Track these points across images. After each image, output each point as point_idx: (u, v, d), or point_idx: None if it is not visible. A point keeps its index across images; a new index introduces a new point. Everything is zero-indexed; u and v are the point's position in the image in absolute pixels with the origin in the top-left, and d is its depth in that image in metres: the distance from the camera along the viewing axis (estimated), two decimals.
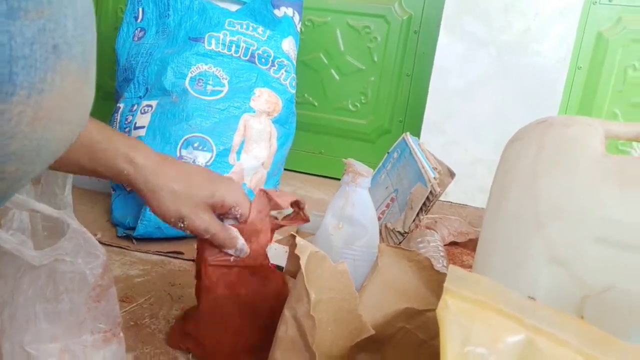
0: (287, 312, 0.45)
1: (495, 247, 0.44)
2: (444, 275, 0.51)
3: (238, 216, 0.56)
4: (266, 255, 0.59)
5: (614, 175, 0.40)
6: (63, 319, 0.53)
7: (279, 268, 0.54)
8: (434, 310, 0.51)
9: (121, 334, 0.54)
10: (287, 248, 0.52)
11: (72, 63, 0.22)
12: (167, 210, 0.52)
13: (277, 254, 0.55)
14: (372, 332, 0.46)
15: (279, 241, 0.56)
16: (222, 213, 0.56)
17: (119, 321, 0.55)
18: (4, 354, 0.53)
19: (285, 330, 0.44)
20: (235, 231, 0.57)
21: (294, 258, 0.50)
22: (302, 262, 0.43)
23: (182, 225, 0.53)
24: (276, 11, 1.18)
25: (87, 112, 0.26)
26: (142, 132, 1.02)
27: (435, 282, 0.50)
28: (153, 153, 0.52)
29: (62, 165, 0.49)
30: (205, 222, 0.54)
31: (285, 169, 1.30)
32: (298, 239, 0.47)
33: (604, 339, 0.26)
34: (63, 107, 0.23)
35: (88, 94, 0.25)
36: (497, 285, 0.30)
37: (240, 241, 0.57)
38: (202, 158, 1.01)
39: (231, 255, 0.57)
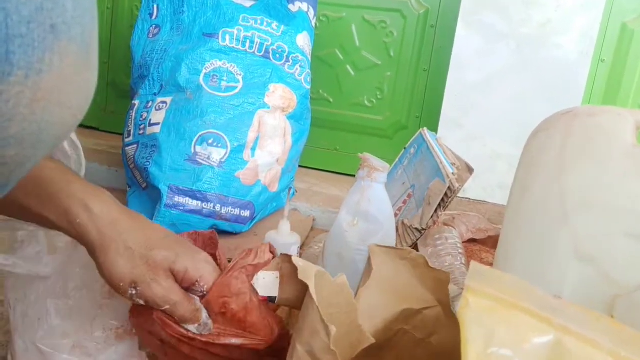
0: (299, 348, 0.40)
1: (518, 243, 0.42)
2: (439, 271, 0.49)
3: (204, 291, 0.47)
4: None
5: None
6: (74, 316, 0.53)
7: (271, 299, 0.48)
8: (430, 308, 0.49)
9: (134, 331, 0.53)
10: (277, 274, 0.48)
11: (71, 44, 0.22)
12: (118, 272, 0.43)
13: (266, 284, 0.48)
14: (373, 340, 0.43)
15: (266, 269, 0.48)
16: (182, 285, 0.47)
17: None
18: (17, 350, 0.53)
19: None
20: (198, 302, 0.47)
21: (287, 284, 0.47)
22: (312, 290, 0.40)
23: (133, 292, 0.44)
24: (291, 6, 1.16)
25: (89, 97, 0.25)
26: (156, 129, 1.02)
27: (430, 279, 0.49)
28: (115, 204, 0.45)
29: (4, 204, 0.43)
30: (165, 289, 0.44)
31: (300, 166, 1.28)
32: (296, 260, 0.44)
33: (637, 338, 0.25)
34: (62, 89, 0.22)
35: (89, 79, 0.24)
36: (521, 283, 0.28)
37: (204, 314, 0.47)
38: (217, 154, 1.00)
39: (189, 331, 0.47)
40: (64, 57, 0.21)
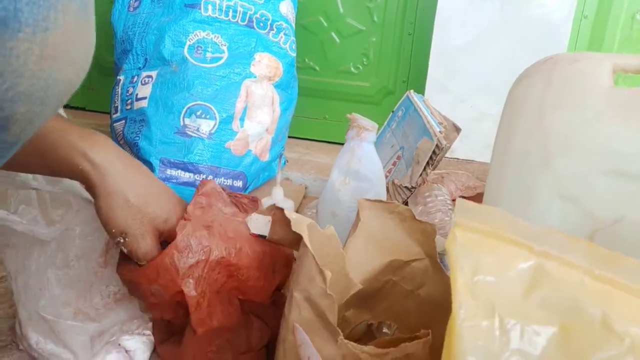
0: (297, 295, 0.43)
1: (504, 186, 0.43)
2: (426, 224, 0.51)
3: None
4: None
5: (622, 107, 0.39)
6: (74, 284, 0.54)
7: (262, 237, 0.51)
8: (418, 260, 0.51)
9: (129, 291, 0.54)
10: (269, 218, 0.50)
11: (72, 3, 0.23)
12: (114, 220, 0.45)
13: (259, 223, 0.51)
14: (360, 286, 0.46)
15: (259, 212, 0.52)
16: (162, 240, 0.50)
17: None
18: (22, 320, 0.54)
19: (298, 313, 0.42)
20: None
21: (277, 226, 0.50)
22: (307, 239, 0.42)
23: (120, 240, 0.46)
24: None
25: (89, 54, 0.27)
26: (144, 103, 1.02)
27: (418, 232, 0.50)
28: (114, 151, 0.46)
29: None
30: (149, 246, 0.47)
31: (289, 137, 1.29)
32: (288, 213, 0.46)
33: (614, 258, 0.26)
34: (67, 45, 0.23)
35: (89, 36, 0.26)
36: (506, 215, 0.30)
37: None
38: (206, 126, 1.00)
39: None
40: (66, 15, 0.22)
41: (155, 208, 0.47)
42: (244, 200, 0.56)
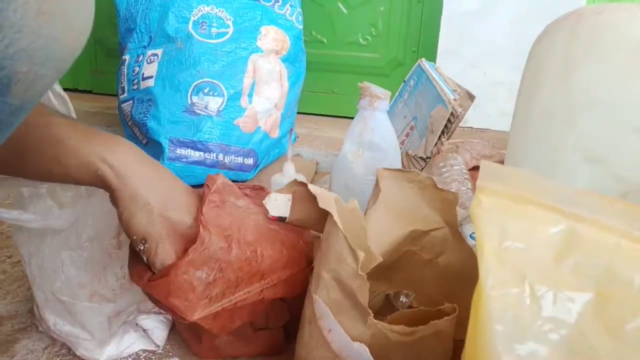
0: (325, 275, 0.40)
1: (527, 149, 0.41)
2: (447, 192, 0.49)
3: None
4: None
5: None
6: (88, 266, 0.53)
7: (282, 219, 0.48)
8: (438, 229, 0.50)
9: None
10: (289, 196, 0.47)
11: None
12: (134, 225, 0.43)
13: (278, 204, 0.47)
14: (380, 259, 0.44)
15: (278, 190, 0.49)
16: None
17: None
18: (39, 302, 0.54)
19: (326, 294, 0.40)
20: None
21: (299, 205, 0.47)
22: (336, 218, 0.39)
23: (141, 247, 0.44)
24: None
25: (89, 19, 0.26)
26: (150, 83, 1.00)
27: (438, 200, 0.49)
28: (133, 153, 0.44)
29: (28, 170, 0.43)
30: (165, 253, 0.44)
31: (299, 112, 1.27)
32: (313, 188, 0.43)
33: None
34: (65, 4, 0.23)
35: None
36: (533, 177, 0.28)
37: None
38: (214, 103, 0.99)
39: None
40: None
41: (178, 212, 0.45)
42: (246, 191, 0.53)
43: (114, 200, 0.44)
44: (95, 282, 0.53)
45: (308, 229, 0.50)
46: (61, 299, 0.52)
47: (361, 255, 0.38)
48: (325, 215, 0.42)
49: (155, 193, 0.44)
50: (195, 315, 0.44)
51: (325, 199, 0.42)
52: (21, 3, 0.21)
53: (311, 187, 0.44)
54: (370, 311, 0.37)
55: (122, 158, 0.42)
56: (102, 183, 0.42)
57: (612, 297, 0.24)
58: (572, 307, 0.24)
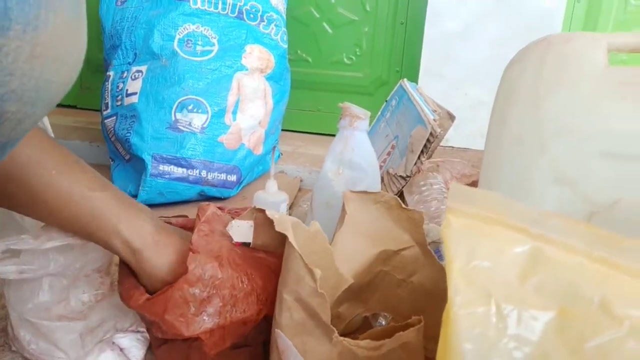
0: (287, 296, 0.41)
1: (499, 173, 0.42)
2: (413, 211, 0.50)
3: None
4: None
5: (617, 86, 0.38)
6: (62, 291, 0.53)
7: (246, 244, 0.50)
8: (408, 248, 0.50)
9: (115, 289, 0.53)
10: (251, 222, 0.49)
11: (63, 2, 0.23)
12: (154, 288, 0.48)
13: (241, 231, 0.49)
14: (351, 281, 0.45)
15: (239, 218, 0.50)
16: None
17: (110, 281, 0.55)
18: (13, 321, 0.53)
19: (290, 316, 0.41)
20: None
21: (261, 230, 0.48)
22: (292, 239, 0.40)
23: None
24: None
25: (81, 55, 0.26)
26: (134, 99, 1.00)
27: (405, 220, 0.49)
28: (152, 230, 0.49)
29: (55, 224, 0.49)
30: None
31: (283, 130, 1.28)
32: (270, 213, 0.45)
33: (613, 239, 0.26)
34: (58, 45, 0.23)
35: (81, 36, 0.26)
36: (501, 199, 0.29)
37: None
38: (198, 120, 0.99)
39: None
40: (57, 14, 0.22)
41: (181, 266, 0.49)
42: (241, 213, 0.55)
43: (137, 272, 0.49)
44: (60, 306, 0.52)
45: (275, 252, 0.50)
46: (31, 321, 0.51)
47: (318, 273, 0.38)
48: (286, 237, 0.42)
49: (169, 265, 0.48)
50: (191, 331, 0.45)
51: (282, 222, 0.42)
52: (14, 47, 0.21)
53: (269, 212, 0.45)
54: (334, 328, 0.38)
55: (140, 240, 0.48)
56: (120, 256, 0.49)
57: (573, 316, 0.25)
58: (536, 325, 0.25)
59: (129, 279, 0.49)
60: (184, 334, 0.45)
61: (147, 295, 0.47)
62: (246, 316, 0.48)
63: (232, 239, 0.49)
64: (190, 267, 0.45)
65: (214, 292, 0.46)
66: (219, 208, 0.52)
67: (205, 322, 0.46)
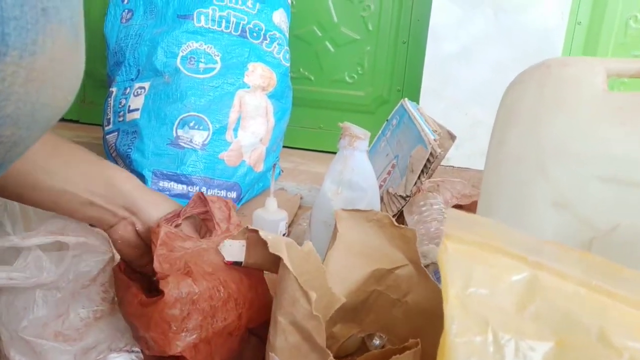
0: (281, 319, 0.41)
1: (498, 195, 0.42)
2: (406, 229, 0.49)
3: None
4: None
5: (616, 111, 0.38)
6: (58, 306, 0.52)
7: (237, 264, 0.50)
8: (402, 267, 0.50)
9: (116, 307, 0.53)
10: (243, 242, 0.49)
11: (61, 27, 0.23)
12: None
13: (233, 250, 0.50)
14: (343, 300, 0.44)
15: (231, 237, 0.51)
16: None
17: (112, 296, 0.54)
18: (3, 340, 0.52)
19: (284, 339, 0.41)
20: None
21: (253, 250, 0.48)
22: (287, 261, 0.40)
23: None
24: None
25: (78, 79, 0.26)
26: (136, 115, 1.01)
27: (398, 238, 0.49)
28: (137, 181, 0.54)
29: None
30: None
31: (284, 146, 1.28)
32: (264, 234, 0.45)
33: (611, 268, 0.25)
34: (55, 70, 0.23)
35: (78, 61, 0.26)
36: (498, 225, 0.29)
37: None
38: (199, 137, 0.99)
39: None
40: (55, 40, 0.22)
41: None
42: (195, 209, 0.57)
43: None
44: (59, 322, 0.52)
45: (266, 270, 0.50)
46: (26, 339, 0.51)
47: (313, 295, 0.38)
48: (279, 258, 0.42)
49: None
50: (173, 349, 0.45)
51: (276, 243, 0.42)
52: (10, 72, 0.21)
53: (262, 233, 0.45)
54: (330, 352, 0.37)
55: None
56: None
57: (571, 347, 0.24)
58: (534, 356, 0.25)
59: (126, 281, 0.50)
60: (167, 352, 0.45)
61: (142, 297, 0.47)
62: (228, 324, 0.48)
63: (223, 258, 0.50)
64: (166, 290, 0.45)
65: (193, 307, 0.46)
66: (174, 217, 0.53)
67: (186, 337, 0.46)
